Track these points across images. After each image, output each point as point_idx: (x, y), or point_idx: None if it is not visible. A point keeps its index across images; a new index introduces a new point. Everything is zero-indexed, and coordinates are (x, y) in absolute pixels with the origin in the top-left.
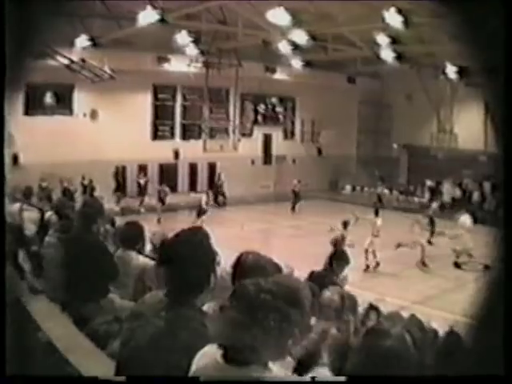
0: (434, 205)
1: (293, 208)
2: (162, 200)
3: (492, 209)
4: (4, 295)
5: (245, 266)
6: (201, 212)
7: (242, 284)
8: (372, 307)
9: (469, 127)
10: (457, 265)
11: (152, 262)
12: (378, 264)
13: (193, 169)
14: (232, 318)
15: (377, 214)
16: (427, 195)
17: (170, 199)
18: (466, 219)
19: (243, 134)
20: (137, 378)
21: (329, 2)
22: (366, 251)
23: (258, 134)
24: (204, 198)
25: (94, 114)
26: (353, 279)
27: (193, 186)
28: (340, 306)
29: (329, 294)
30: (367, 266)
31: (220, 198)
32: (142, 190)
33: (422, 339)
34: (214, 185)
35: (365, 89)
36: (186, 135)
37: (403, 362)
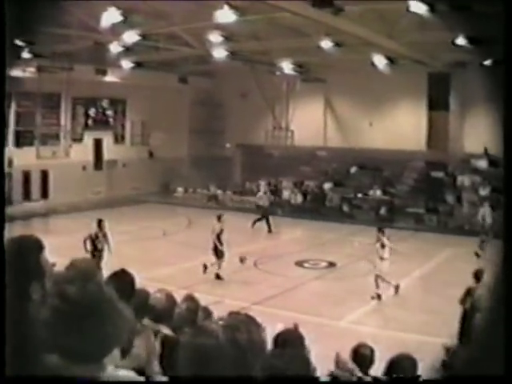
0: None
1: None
2: None
3: (334, 205)
4: (4, 295)
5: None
6: None
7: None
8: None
9: (306, 123)
10: (298, 263)
11: None
12: (397, 288)
13: (26, 177)
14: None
15: (381, 230)
16: (262, 194)
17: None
18: None
19: (74, 140)
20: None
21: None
22: (377, 278)
23: (89, 138)
24: None
25: None
26: (191, 282)
27: (26, 195)
28: (168, 306)
29: (158, 294)
30: (378, 296)
31: None
32: None
33: (250, 339)
34: None
35: (197, 88)
36: (19, 142)
37: (217, 359)
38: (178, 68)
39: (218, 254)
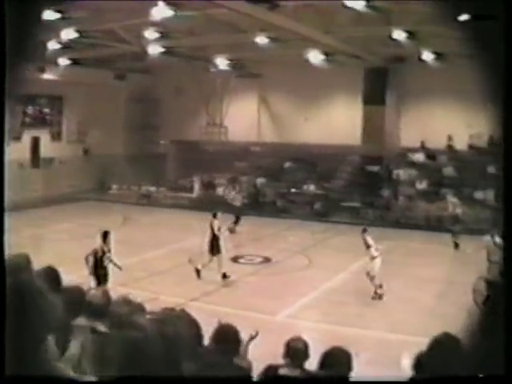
0: None
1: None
2: None
3: (268, 200)
4: (4, 294)
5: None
6: None
7: None
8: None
9: (240, 119)
10: (234, 259)
11: None
12: (380, 295)
13: None
14: None
15: (365, 231)
16: (197, 191)
17: None
18: None
19: (13, 138)
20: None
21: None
22: (372, 278)
23: (27, 136)
24: None
25: None
26: (128, 279)
27: None
28: (104, 303)
29: (94, 291)
30: (377, 294)
31: None
32: None
33: (180, 333)
34: None
35: (134, 85)
36: None
37: (145, 352)
38: (115, 65)
39: (215, 252)
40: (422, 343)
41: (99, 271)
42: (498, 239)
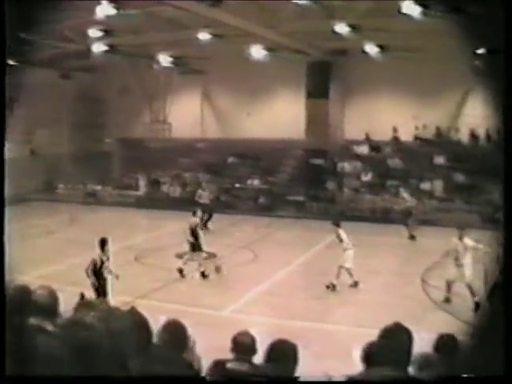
0: None
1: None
2: None
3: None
4: (4, 295)
5: None
6: None
7: None
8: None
9: (184, 115)
10: (179, 255)
11: None
12: (356, 283)
13: None
14: None
15: (336, 224)
16: (143, 188)
17: None
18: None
19: None
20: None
21: None
22: (340, 269)
23: None
24: None
25: None
26: (77, 279)
27: None
28: (51, 303)
29: (40, 291)
30: (333, 285)
31: None
32: None
33: (126, 330)
34: None
35: (79, 84)
36: None
37: (92, 350)
38: (60, 64)
39: (196, 248)
40: (371, 334)
41: (100, 282)
42: (467, 241)
